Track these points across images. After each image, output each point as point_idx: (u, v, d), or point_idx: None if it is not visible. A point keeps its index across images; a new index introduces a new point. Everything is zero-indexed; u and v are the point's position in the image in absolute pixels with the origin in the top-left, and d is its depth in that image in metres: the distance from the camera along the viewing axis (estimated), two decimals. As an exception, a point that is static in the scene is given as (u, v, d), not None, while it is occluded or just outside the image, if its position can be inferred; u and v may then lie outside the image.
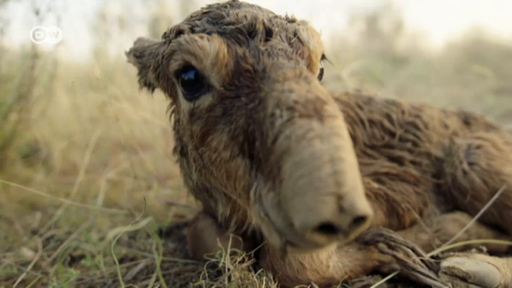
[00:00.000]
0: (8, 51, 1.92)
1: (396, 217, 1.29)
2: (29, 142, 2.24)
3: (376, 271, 1.17)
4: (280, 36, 0.84)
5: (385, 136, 1.36)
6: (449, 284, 1.02)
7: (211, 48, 0.82)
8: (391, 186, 1.28)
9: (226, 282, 0.99)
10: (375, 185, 1.27)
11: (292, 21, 0.93)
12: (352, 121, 1.35)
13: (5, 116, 1.89)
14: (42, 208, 1.75)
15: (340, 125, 0.63)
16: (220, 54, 0.82)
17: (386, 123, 1.36)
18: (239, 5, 0.93)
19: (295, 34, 0.86)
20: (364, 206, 0.56)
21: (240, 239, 1.16)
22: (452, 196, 1.31)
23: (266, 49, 0.80)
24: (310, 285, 1.04)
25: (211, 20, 0.89)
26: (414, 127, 1.38)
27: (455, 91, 4.68)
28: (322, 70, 0.94)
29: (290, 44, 0.84)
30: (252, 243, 1.22)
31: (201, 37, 0.84)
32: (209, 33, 0.85)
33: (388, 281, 1.11)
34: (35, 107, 2.09)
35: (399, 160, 1.33)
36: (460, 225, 1.30)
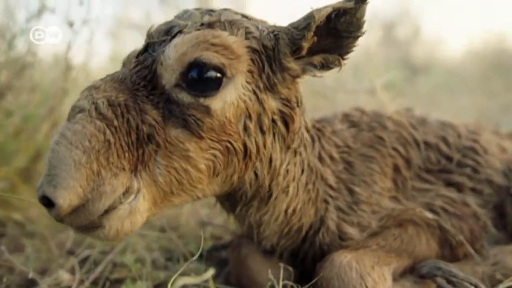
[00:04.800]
0: (41, 62, 1.91)
1: (449, 249, 1.22)
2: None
3: (433, 307, 1.10)
4: (153, 48, 0.91)
5: (441, 160, 1.29)
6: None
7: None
8: (445, 218, 1.21)
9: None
10: (428, 214, 1.20)
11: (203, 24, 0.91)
12: (406, 142, 1.28)
13: (37, 127, 1.87)
14: (73, 223, 1.72)
15: (73, 129, 0.77)
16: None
17: (443, 147, 1.29)
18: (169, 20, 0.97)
19: (165, 45, 0.90)
20: (52, 191, 0.73)
21: (291, 269, 1.11)
22: None
23: (132, 60, 0.94)
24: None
25: None
26: (473, 152, 1.31)
27: (481, 101, 4.55)
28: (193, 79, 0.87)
29: (146, 57, 0.90)
30: (300, 272, 1.18)
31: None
32: None
33: (449, 320, 1.04)
34: (65, 118, 2.06)
35: (457, 186, 1.26)
36: (519, 257, 1.22)
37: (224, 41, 0.88)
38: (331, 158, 1.19)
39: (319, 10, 0.89)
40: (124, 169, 0.80)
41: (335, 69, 0.98)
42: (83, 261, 1.39)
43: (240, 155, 0.93)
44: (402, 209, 1.20)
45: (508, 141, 1.44)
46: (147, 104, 0.85)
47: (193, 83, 0.87)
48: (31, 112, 1.84)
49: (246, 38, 0.92)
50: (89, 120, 0.79)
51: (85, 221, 0.79)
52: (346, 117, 1.32)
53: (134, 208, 0.82)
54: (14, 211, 1.66)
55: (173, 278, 0.89)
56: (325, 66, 0.98)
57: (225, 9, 0.98)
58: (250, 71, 0.92)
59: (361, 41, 0.96)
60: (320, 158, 1.16)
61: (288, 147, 1.03)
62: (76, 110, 0.81)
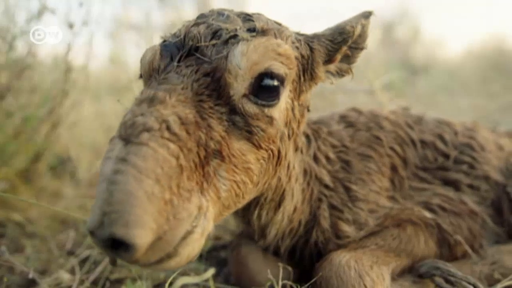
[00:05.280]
0: (41, 63, 1.92)
1: (447, 248, 1.23)
2: (57, 153, 2.22)
3: (431, 306, 1.11)
4: (202, 52, 0.83)
5: (438, 158, 1.30)
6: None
7: (146, 57, 0.88)
8: (443, 216, 1.21)
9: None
10: (427, 214, 1.21)
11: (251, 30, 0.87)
12: (402, 142, 1.30)
13: (37, 129, 1.88)
14: (73, 224, 1.72)
15: (141, 153, 0.65)
16: (150, 63, 0.86)
17: (439, 144, 1.30)
18: (205, 19, 0.90)
19: (220, 51, 0.83)
20: (126, 231, 0.60)
21: (290, 269, 1.11)
22: None
23: (175, 64, 0.82)
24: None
25: (174, 33, 0.91)
26: (470, 148, 1.31)
27: (480, 102, 4.55)
28: (266, 87, 0.85)
29: (199, 62, 0.82)
30: (299, 270, 1.18)
31: (147, 49, 0.90)
32: (160, 45, 0.88)
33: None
34: (64, 119, 2.07)
35: (455, 184, 1.27)
36: (517, 257, 1.23)
37: (287, 51, 0.87)
38: (327, 158, 1.20)
39: (352, 27, 0.97)
40: (193, 190, 0.72)
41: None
42: (83, 261, 1.39)
43: (274, 161, 0.93)
44: (400, 208, 1.21)
45: (505, 138, 1.44)
46: (213, 118, 0.78)
47: (259, 93, 0.84)
48: (31, 113, 1.84)
49: (293, 48, 0.92)
50: (160, 143, 0.67)
51: (162, 254, 0.69)
52: (343, 118, 1.33)
53: (205, 229, 0.74)
54: (14, 212, 1.67)
55: (171, 278, 0.89)
56: (339, 74, 1.06)
57: (259, 14, 0.96)
58: (293, 80, 0.93)
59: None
60: (316, 159, 1.18)
61: (296, 149, 1.06)
62: (139, 127, 0.68)
